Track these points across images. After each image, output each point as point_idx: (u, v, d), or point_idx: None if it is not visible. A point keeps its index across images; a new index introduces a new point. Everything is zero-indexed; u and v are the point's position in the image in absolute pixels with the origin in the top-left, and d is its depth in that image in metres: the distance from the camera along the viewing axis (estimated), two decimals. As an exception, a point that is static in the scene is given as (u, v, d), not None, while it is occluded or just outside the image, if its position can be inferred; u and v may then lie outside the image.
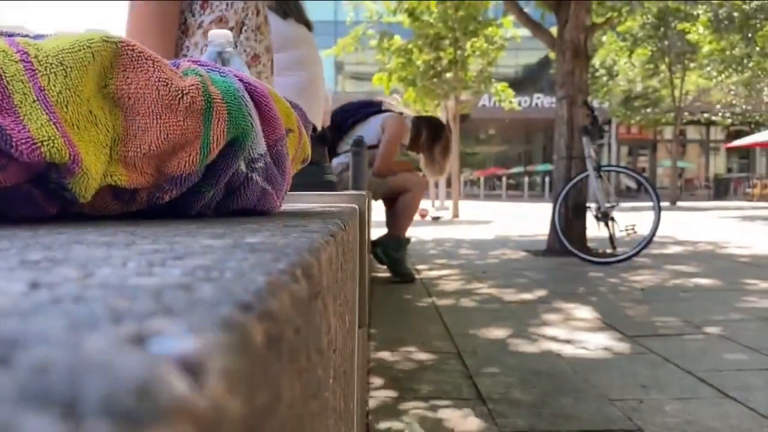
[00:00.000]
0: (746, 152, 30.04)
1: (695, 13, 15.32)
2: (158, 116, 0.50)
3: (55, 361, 0.13)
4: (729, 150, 29.70)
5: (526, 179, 28.60)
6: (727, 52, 14.73)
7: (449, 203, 13.27)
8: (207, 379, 0.14)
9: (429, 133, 3.82)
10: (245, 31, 1.40)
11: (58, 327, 0.16)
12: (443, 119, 14.57)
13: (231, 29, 1.37)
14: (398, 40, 11.81)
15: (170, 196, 0.57)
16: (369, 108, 3.76)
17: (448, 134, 3.97)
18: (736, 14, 12.84)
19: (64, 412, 0.10)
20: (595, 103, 17.61)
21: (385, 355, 2.09)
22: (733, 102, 19.28)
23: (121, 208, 0.55)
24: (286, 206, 0.73)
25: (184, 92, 0.50)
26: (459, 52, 11.18)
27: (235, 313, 0.18)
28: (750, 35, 13.09)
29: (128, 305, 0.18)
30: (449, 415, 1.55)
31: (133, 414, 0.11)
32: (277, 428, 0.20)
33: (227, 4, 1.36)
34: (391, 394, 1.70)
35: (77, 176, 0.47)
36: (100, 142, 0.49)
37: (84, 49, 0.47)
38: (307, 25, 2.09)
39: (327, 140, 2.49)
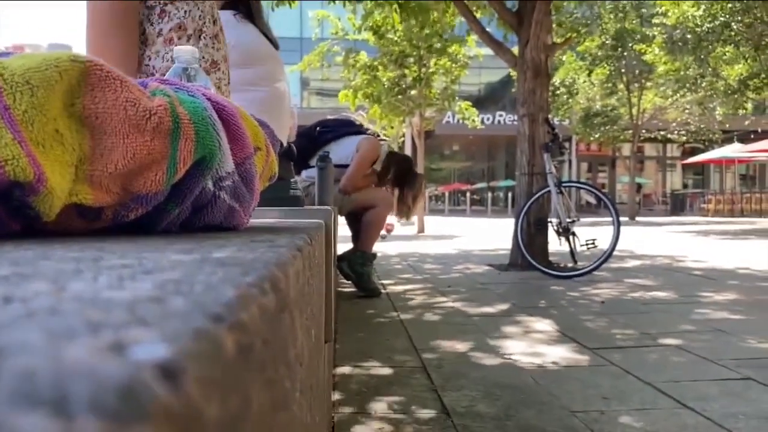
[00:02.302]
0: (701, 169, 31.00)
1: (651, 34, 15.84)
2: (125, 136, 0.50)
3: (38, 368, 0.13)
4: (685, 166, 30.62)
5: (490, 195, 28.96)
6: (682, 73, 15.24)
7: (414, 218, 13.33)
8: (184, 384, 0.15)
9: (397, 173, 3.85)
10: (203, 38, 1.40)
11: (37, 338, 0.16)
12: (408, 135, 14.61)
13: (189, 36, 1.37)
14: (364, 56, 11.90)
15: (136, 215, 0.57)
16: (349, 128, 3.80)
17: (421, 180, 4.00)
18: (689, 36, 13.30)
19: (55, 411, 0.11)
20: (556, 121, 17.98)
21: (350, 369, 2.09)
22: (688, 120, 19.90)
23: (86, 225, 0.55)
24: (252, 221, 0.74)
25: (152, 113, 0.51)
26: (423, 69, 11.32)
27: (207, 324, 0.19)
28: (703, 57, 13.56)
29: (104, 317, 0.19)
30: (414, 429, 1.55)
31: (118, 413, 0.12)
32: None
33: (185, 12, 1.37)
34: (356, 408, 1.70)
35: (42, 195, 0.47)
36: (66, 161, 0.49)
37: (51, 68, 0.47)
38: (274, 44, 2.10)
39: (293, 156, 2.50)
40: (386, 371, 2.08)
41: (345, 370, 2.09)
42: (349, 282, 3.77)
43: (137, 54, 1.32)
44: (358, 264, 3.65)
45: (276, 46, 2.12)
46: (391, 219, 13.18)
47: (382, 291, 3.81)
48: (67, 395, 0.12)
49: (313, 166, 3.53)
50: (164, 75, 0.91)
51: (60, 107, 0.49)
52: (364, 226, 3.75)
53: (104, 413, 0.11)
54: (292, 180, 2.42)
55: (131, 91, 0.50)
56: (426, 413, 1.66)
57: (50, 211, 0.49)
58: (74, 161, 0.51)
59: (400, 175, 3.87)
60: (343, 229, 4.22)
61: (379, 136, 3.86)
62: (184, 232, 0.63)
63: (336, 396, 1.80)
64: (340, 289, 3.86)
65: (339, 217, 3.67)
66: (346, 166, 3.55)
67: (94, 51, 1.28)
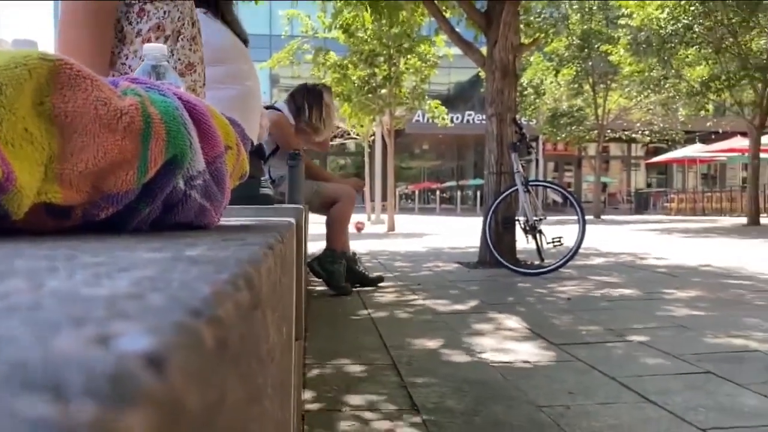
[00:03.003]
0: (664, 168, 31.71)
1: (616, 36, 16.13)
2: (96, 135, 0.50)
3: (29, 357, 0.14)
4: (648, 166, 31.28)
5: (459, 193, 29.18)
6: (646, 74, 15.55)
7: (385, 216, 13.37)
8: (168, 373, 0.16)
9: (304, 97, 3.82)
10: (181, 40, 1.39)
11: (23, 331, 0.17)
12: (378, 134, 14.62)
13: (167, 37, 1.36)
14: (333, 55, 11.88)
15: (106, 214, 0.57)
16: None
17: (323, 95, 3.90)
18: (653, 38, 13.59)
19: (51, 395, 0.12)
20: (523, 121, 18.18)
21: (321, 367, 2.09)
22: (652, 121, 20.33)
23: (56, 224, 0.55)
24: (223, 220, 0.74)
25: (123, 112, 0.51)
26: (393, 68, 11.35)
27: (187, 318, 0.20)
28: (666, 58, 13.86)
29: (85, 312, 0.20)
30: (384, 425, 1.57)
31: (111, 398, 0.12)
32: (225, 424, 0.22)
33: (165, 12, 1.36)
34: (326, 406, 1.71)
35: (10, 194, 0.47)
36: (36, 160, 0.49)
37: (20, 66, 0.47)
38: (244, 40, 2.09)
39: (263, 155, 2.49)
40: (356, 368, 2.09)
41: (316, 367, 2.10)
42: (320, 280, 3.77)
43: (109, 51, 1.31)
44: (328, 262, 3.66)
45: (246, 42, 2.11)
46: (362, 217, 13.19)
47: (353, 289, 3.81)
48: (61, 382, 0.13)
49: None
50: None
51: (29, 106, 0.49)
52: (328, 224, 3.76)
53: (98, 398, 0.12)
54: (262, 178, 2.42)
55: (102, 91, 0.50)
56: (395, 410, 1.68)
57: (19, 210, 0.49)
58: (44, 160, 0.50)
59: (311, 100, 3.83)
60: (319, 227, 4.21)
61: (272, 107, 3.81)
62: (154, 230, 0.63)
63: (306, 393, 1.81)
64: (310, 287, 3.86)
65: (311, 214, 3.67)
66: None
67: (66, 46, 1.26)
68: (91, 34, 1.28)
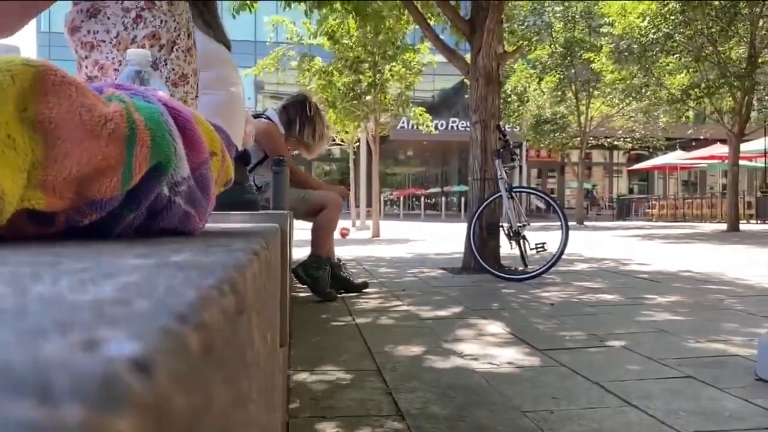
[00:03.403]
0: (645, 175, 32.07)
1: (599, 44, 16.32)
2: (80, 142, 0.50)
3: (16, 362, 0.14)
4: (630, 172, 31.62)
5: (443, 199, 29.24)
6: (628, 82, 15.74)
7: (370, 222, 13.37)
8: (155, 377, 0.16)
9: (298, 113, 3.82)
10: (176, 50, 1.39)
11: (9, 336, 0.17)
12: (363, 140, 14.62)
13: (162, 46, 1.36)
14: (319, 61, 11.89)
15: (90, 220, 0.56)
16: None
17: (319, 113, 3.90)
18: (635, 46, 13.77)
19: (40, 399, 0.12)
20: (507, 128, 18.32)
21: (305, 374, 2.09)
22: (634, 128, 20.56)
23: (39, 230, 0.55)
24: (208, 226, 0.74)
25: (108, 118, 0.51)
26: (378, 75, 11.38)
27: (173, 323, 0.20)
28: (647, 66, 14.05)
29: (71, 317, 0.20)
30: (369, 431, 1.57)
31: (99, 402, 0.13)
32: (211, 429, 0.22)
33: (161, 21, 1.36)
34: (311, 412, 1.70)
35: (-7, 199, 0.47)
36: (18, 166, 0.49)
37: (3, 72, 0.47)
38: (227, 45, 2.09)
39: (248, 160, 2.48)
40: (341, 375, 2.09)
41: (300, 374, 2.09)
42: (305, 287, 3.76)
43: None
44: (313, 268, 3.65)
45: (229, 49, 2.11)
46: (347, 223, 13.18)
47: (338, 295, 3.81)
48: (49, 386, 0.13)
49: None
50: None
51: (12, 112, 0.48)
52: (314, 230, 3.76)
53: (87, 401, 0.12)
54: (246, 184, 2.41)
55: (86, 97, 0.50)
56: (380, 416, 1.68)
57: (1, 217, 0.49)
58: (27, 166, 0.50)
59: (302, 114, 3.83)
60: (305, 233, 4.21)
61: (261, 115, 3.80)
62: (139, 237, 0.63)
63: (291, 399, 1.80)
64: (295, 293, 3.85)
65: (296, 221, 3.67)
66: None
67: None
68: None
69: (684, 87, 13.91)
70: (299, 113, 3.82)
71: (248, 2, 6.53)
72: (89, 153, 0.51)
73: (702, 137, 22.06)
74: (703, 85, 12.93)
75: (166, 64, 1.36)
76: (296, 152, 4.05)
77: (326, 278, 3.68)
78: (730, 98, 13.08)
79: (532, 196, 16.48)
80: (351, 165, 17.14)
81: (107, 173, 0.53)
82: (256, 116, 3.73)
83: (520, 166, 28.93)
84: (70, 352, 0.15)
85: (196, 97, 1.48)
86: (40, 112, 0.49)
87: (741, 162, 14.51)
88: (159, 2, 1.36)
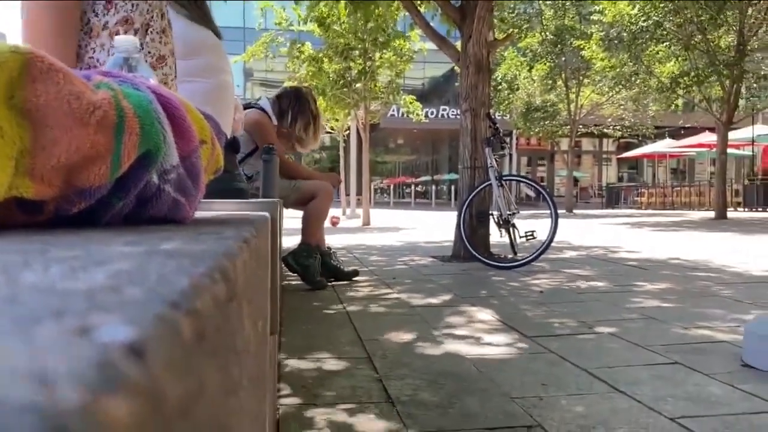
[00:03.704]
0: (635, 163, 32.24)
1: (589, 32, 16.33)
2: (68, 129, 0.50)
3: (12, 348, 0.15)
4: (620, 161, 31.77)
5: (434, 188, 29.28)
6: (618, 70, 15.78)
7: (360, 211, 13.37)
8: (149, 363, 0.16)
9: (292, 104, 3.80)
10: (150, 32, 1.38)
11: (3, 323, 0.17)
12: (353, 128, 14.58)
13: (136, 30, 1.35)
14: (308, 48, 11.82)
15: (78, 208, 0.56)
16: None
17: (313, 107, 3.89)
18: (624, 34, 13.78)
19: (38, 382, 0.12)
20: (497, 116, 18.33)
21: (296, 362, 2.10)
22: (623, 116, 20.64)
23: (27, 219, 0.55)
24: (198, 214, 0.74)
25: (96, 106, 0.50)
26: (368, 62, 11.33)
27: (166, 310, 0.20)
28: (637, 54, 14.08)
29: (64, 305, 0.20)
30: (359, 418, 1.58)
31: (97, 384, 0.13)
32: (203, 414, 0.23)
33: (132, 5, 1.34)
34: (301, 400, 1.71)
35: (-20, 188, 0.47)
36: (6, 154, 0.48)
37: (-10, 58, 0.46)
38: (216, 33, 2.07)
39: (237, 148, 2.47)
40: (331, 362, 2.10)
41: (291, 362, 2.10)
42: (295, 275, 3.76)
43: (76, 44, 1.29)
44: (303, 257, 3.65)
45: (219, 36, 2.10)
46: (337, 212, 13.16)
47: (328, 283, 3.81)
48: (47, 371, 0.13)
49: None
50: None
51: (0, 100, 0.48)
52: (305, 218, 3.75)
53: (84, 385, 0.13)
54: (236, 173, 2.40)
55: (74, 84, 0.50)
56: (370, 403, 1.69)
57: (-11, 204, 0.49)
58: (14, 154, 0.50)
59: (296, 107, 3.81)
60: (295, 222, 4.20)
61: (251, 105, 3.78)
62: (128, 225, 0.62)
63: (281, 387, 1.81)
64: (285, 282, 3.85)
65: (286, 209, 3.66)
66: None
67: (31, 38, 1.24)
68: (57, 27, 1.26)
69: (673, 75, 13.96)
70: (293, 105, 3.80)
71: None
72: (78, 141, 0.51)
73: (691, 125, 22.17)
74: (692, 74, 12.99)
75: (142, 48, 1.35)
76: (288, 148, 4.00)
77: (316, 266, 3.69)
78: (719, 87, 13.15)
79: (521, 183, 16.54)
80: (341, 153, 17.11)
81: (96, 161, 0.53)
82: (249, 106, 3.70)
83: (510, 155, 28.99)
84: (65, 337, 0.16)
85: (175, 78, 1.47)
86: (28, 99, 0.49)
87: (729, 150, 14.61)
88: None
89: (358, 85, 11.57)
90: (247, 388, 0.47)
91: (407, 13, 6.35)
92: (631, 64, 14.84)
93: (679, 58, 13.98)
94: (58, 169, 0.52)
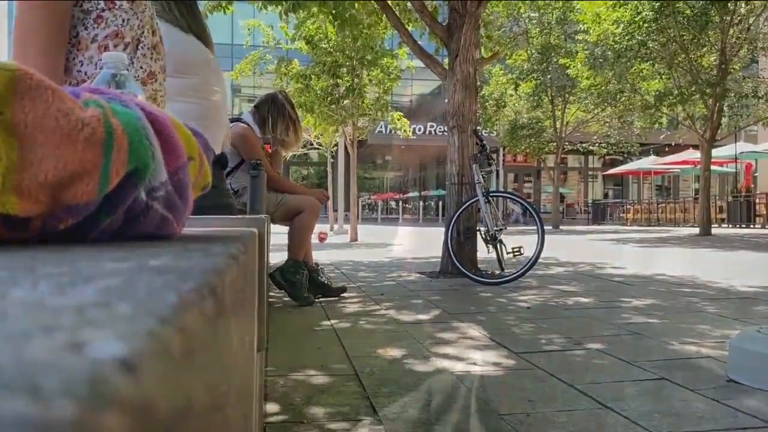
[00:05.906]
0: (620, 179, 32.53)
1: (574, 50, 16.54)
2: (57, 146, 0.50)
3: (5, 363, 0.15)
4: (605, 177, 32.04)
5: (421, 204, 29.34)
6: (603, 87, 15.98)
7: (347, 227, 13.35)
8: (140, 378, 0.16)
9: (269, 109, 3.82)
10: (141, 48, 1.38)
11: (-7, 339, 0.17)
12: (341, 144, 14.60)
13: (126, 45, 1.35)
14: (296, 64, 11.86)
15: (66, 225, 0.56)
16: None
17: (288, 107, 3.90)
18: (609, 53, 13.98)
19: (32, 398, 0.13)
20: (484, 133, 18.45)
21: (283, 379, 2.08)
22: (608, 133, 20.86)
23: (13, 235, 0.54)
24: (186, 230, 0.74)
25: (85, 123, 0.51)
26: (356, 80, 11.39)
27: (156, 326, 0.21)
28: (622, 73, 14.27)
29: (54, 321, 0.20)
30: (347, 436, 1.57)
31: (89, 400, 0.13)
32: (191, 430, 0.23)
33: (123, 20, 1.34)
34: (288, 417, 1.70)
35: (-34, 204, 0.47)
36: (-8, 170, 0.48)
37: (-22, 75, 0.46)
38: (207, 40, 2.02)
39: (225, 164, 2.46)
40: (319, 379, 2.09)
41: (278, 379, 2.08)
42: (282, 291, 3.74)
43: (64, 56, 1.29)
44: (290, 273, 3.63)
45: (209, 43, 2.05)
46: (324, 228, 13.14)
47: (316, 300, 3.80)
48: (39, 386, 0.13)
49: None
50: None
51: (-13, 115, 0.48)
52: (291, 234, 3.74)
53: (76, 400, 0.13)
54: (224, 188, 2.39)
55: (63, 101, 0.50)
56: (358, 420, 1.68)
57: (-25, 221, 0.48)
58: (1, 170, 0.50)
59: (275, 111, 3.83)
60: (282, 238, 4.18)
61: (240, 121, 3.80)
62: (115, 241, 0.62)
63: (268, 404, 1.79)
64: (272, 299, 3.83)
65: (273, 225, 3.65)
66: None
67: (20, 51, 1.24)
68: (46, 39, 1.26)
69: (658, 93, 14.15)
70: (271, 110, 3.82)
71: (223, 4, 6.50)
72: (65, 157, 0.51)
73: (675, 143, 22.45)
74: (676, 92, 13.18)
75: (132, 63, 1.35)
76: (276, 151, 4.02)
77: (304, 283, 3.67)
78: (702, 105, 13.34)
79: (508, 200, 16.62)
80: (329, 169, 17.12)
81: (84, 178, 0.53)
82: (233, 120, 3.71)
83: (497, 171, 29.16)
84: (56, 353, 0.16)
85: (165, 93, 1.47)
86: (16, 116, 0.49)
87: (713, 167, 14.80)
88: (119, 1, 1.34)
89: (346, 101, 11.61)
90: (235, 404, 0.47)
91: (395, 32, 6.41)
92: (615, 82, 15.03)
93: (663, 77, 14.18)
94: (45, 186, 0.52)
